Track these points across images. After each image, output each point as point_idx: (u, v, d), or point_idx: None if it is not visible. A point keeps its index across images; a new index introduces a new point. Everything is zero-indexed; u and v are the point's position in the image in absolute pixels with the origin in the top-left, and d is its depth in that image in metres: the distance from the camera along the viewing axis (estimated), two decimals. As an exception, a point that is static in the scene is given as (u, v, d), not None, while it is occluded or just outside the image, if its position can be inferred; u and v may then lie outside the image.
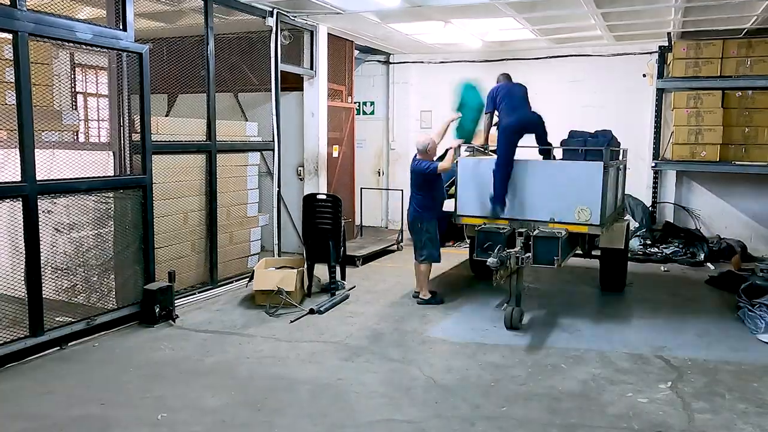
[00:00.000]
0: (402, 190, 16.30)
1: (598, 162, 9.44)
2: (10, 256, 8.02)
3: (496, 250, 8.89)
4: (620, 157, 11.12)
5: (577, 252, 10.71)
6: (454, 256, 14.11)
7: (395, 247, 15.29)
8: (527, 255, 9.11)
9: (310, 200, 11.30)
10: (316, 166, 13.77)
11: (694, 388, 7.26)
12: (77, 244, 8.87)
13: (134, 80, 9.16)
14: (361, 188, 16.44)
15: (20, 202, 7.65)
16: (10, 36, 7.50)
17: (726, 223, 15.20)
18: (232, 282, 11.38)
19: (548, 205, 9.68)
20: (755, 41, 13.78)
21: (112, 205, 9.09)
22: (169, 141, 10.04)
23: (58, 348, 8.15)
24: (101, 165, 9.06)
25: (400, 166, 18.05)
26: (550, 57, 16.38)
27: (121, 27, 8.95)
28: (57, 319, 8.34)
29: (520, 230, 9.54)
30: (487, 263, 8.78)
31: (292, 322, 9.52)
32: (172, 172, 10.15)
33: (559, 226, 9.51)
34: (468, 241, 11.55)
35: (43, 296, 8.01)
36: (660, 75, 15.00)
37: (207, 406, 6.63)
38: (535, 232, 9.22)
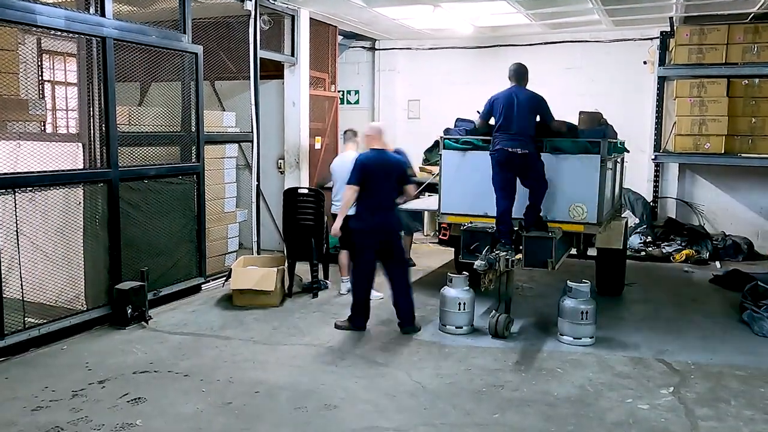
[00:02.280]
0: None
1: (595, 155, 9.39)
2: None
3: (483, 252, 8.82)
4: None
5: (571, 252, 10.66)
6: (440, 254, 14.19)
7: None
8: (518, 257, 9.08)
9: (291, 195, 11.33)
10: (297, 159, 13.78)
11: (697, 393, 7.31)
12: (44, 241, 8.87)
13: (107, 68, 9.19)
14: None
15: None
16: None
17: (731, 220, 15.27)
18: (208, 281, 11.37)
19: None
20: (762, 26, 13.85)
21: (82, 200, 9.09)
22: (141, 132, 10.04)
23: (24, 351, 8.15)
24: (69, 157, 9.06)
25: (386, 158, 18.06)
26: (545, 43, 16.41)
27: (100, 13, 9.02)
28: (23, 320, 8.33)
29: None
30: (474, 266, 8.72)
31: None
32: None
33: (552, 224, 9.47)
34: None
35: (8, 296, 8.02)
36: (661, 62, 15.05)
37: (182, 413, 6.66)
38: (526, 232, 9.18)
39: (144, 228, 9.99)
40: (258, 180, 12.74)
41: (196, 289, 11.00)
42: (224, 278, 11.17)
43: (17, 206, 8.22)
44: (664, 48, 15.07)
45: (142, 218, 9.95)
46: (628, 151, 11.81)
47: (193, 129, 10.81)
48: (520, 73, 9.66)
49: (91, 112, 9.22)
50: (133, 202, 9.74)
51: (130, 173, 9.65)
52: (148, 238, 10.08)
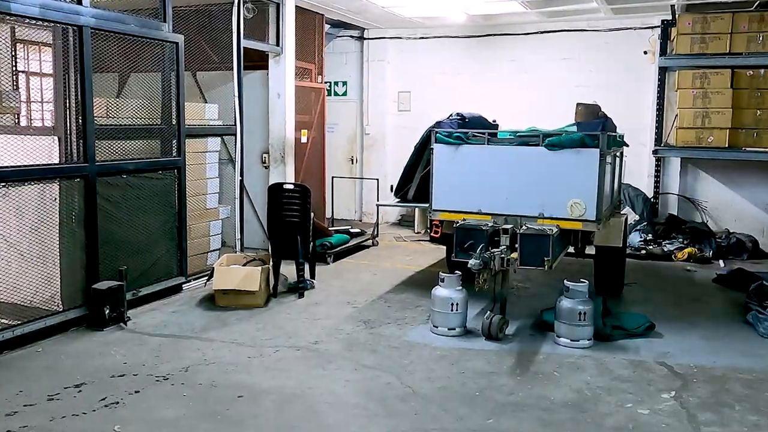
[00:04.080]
0: (378, 179, 16.32)
1: (594, 149, 9.38)
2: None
3: (477, 250, 8.82)
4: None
5: (569, 251, 10.68)
6: (431, 253, 14.21)
7: (370, 242, 15.32)
8: (513, 255, 9.09)
9: (276, 190, 11.32)
10: (282, 153, 13.78)
11: (700, 397, 7.33)
12: (18, 239, 8.86)
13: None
14: (333, 177, 16.47)
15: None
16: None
17: (735, 216, 15.32)
18: (189, 281, 11.37)
19: (537, 199, 9.63)
20: (768, 14, 13.90)
21: (58, 196, 9.08)
22: (119, 125, 10.03)
23: (-4, 355, 8.17)
24: (45, 151, 9.05)
25: (375, 152, 18.10)
26: (541, 32, 16.47)
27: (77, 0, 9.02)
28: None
29: (505, 227, 9.43)
30: (468, 265, 8.71)
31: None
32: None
33: (549, 222, 9.46)
34: None
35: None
36: (663, 52, 15.10)
37: (163, 418, 6.67)
38: (522, 230, 9.15)
39: (122, 225, 9.98)
40: (241, 175, 12.72)
41: (177, 288, 11.00)
42: (206, 278, 11.18)
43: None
44: (665, 37, 15.11)
45: (121, 215, 9.94)
46: (627, 145, 11.83)
47: (174, 122, 10.80)
48: None
49: (68, 104, 9.21)
50: (112, 199, 9.74)
51: (109, 168, 9.66)
52: (126, 236, 10.06)
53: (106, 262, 9.68)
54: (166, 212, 10.80)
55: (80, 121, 9.22)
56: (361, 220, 18.35)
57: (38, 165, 8.78)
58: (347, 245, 14.34)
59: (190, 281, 11.25)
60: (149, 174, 10.42)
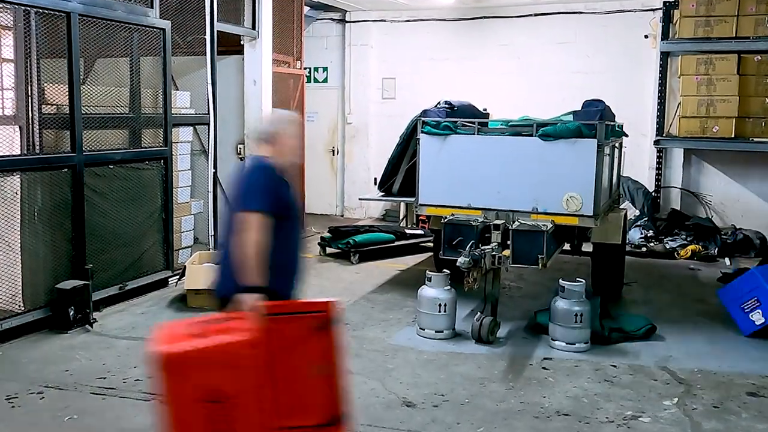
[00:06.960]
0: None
1: (591, 140, 9.38)
2: None
3: (467, 248, 8.79)
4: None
5: (564, 248, 10.68)
6: (417, 250, 14.24)
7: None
8: (505, 253, 9.09)
9: (252, 184, 11.30)
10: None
11: (704, 404, 7.36)
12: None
13: (44, 42, 9.17)
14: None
15: None
16: None
17: (742, 211, 15.35)
18: (175, 275, 11.39)
19: (530, 193, 9.63)
20: (777, -4, 13.92)
21: (19, 190, 9.05)
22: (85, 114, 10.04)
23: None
24: (5, 141, 9.02)
25: (357, 143, 18.08)
26: (536, 15, 16.46)
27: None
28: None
29: (497, 223, 9.44)
30: (457, 263, 8.68)
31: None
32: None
33: (543, 217, 9.47)
34: None
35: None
36: (665, 36, 15.13)
37: (130, 427, 6.66)
38: (514, 225, 9.16)
39: (109, 217, 10.19)
40: (215, 167, 12.66)
41: (164, 282, 11.29)
42: (177, 277, 11.16)
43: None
44: (667, 20, 15.14)
45: (107, 206, 10.14)
46: (627, 135, 11.85)
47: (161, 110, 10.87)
48: None
49: (29, 92, 9.18)
50: (98, 190, 9.91)
51: (96, 158, 9.86)
52: (114, 228, 10.28)
53: (92, 256, 9.83)
54: (152, 204, 10.99)
55: (70, 108, 9.38)
56: (342, 216, 18.36)
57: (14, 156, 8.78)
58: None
59: (176, 275, 11.34)
60: (136, 165, 10.63)
